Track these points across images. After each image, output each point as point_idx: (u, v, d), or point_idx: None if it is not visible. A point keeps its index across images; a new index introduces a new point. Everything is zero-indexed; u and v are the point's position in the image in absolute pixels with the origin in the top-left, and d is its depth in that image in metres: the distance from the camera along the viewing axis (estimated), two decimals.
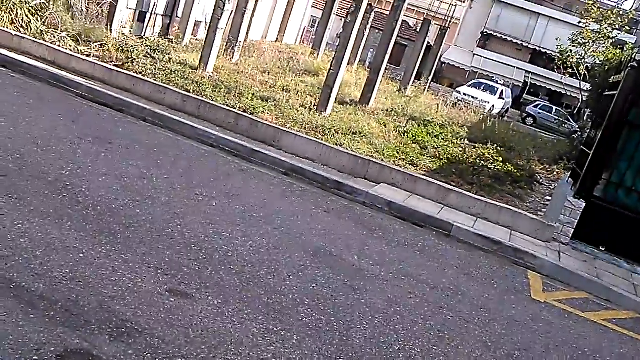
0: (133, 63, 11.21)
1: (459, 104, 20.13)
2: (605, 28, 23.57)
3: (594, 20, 24.06)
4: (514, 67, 38.14)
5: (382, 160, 8.97)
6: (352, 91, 15.41)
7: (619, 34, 24.28)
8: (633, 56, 7.96)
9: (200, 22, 18.58)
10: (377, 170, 8.22)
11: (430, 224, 7.06)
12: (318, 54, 21.17)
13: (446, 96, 22.14)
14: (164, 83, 9.96)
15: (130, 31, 14.74)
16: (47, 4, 12.43)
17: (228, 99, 10.47)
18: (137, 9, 15.52)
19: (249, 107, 10.08)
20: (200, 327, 3.48)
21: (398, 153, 9.88)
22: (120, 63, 11.03)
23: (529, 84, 38.00)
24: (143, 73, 10.52)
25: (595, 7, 24.15)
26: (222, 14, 13.23)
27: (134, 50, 11.85)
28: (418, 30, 27.15)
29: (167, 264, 4.11)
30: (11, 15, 11.79)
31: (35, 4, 12.13)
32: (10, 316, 3.02)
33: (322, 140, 9.00)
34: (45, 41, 10.90)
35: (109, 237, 4.23)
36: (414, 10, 35.43)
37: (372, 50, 26.15)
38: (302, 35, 29.52)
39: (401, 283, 5.14)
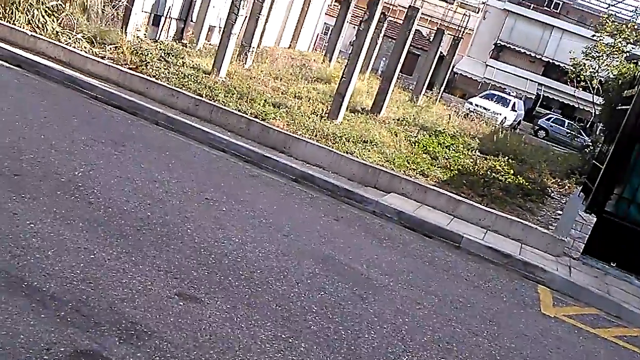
0: (147, 66, 11.27)
1: (471, 115, 20.09)
2: (620, 42, 23.45)
3: (608, 33, 23.95)
4: (527, 79, 37.99)
5: (393, 169, 8.95)
6: (364, 99, 15.41)
7: (633, 48, 24.16)
8: None
9: (214, 27, 18.68)
10: (387, 180, 8.20)
11: (439, 235, 7.03)
12: (330, 62, 21.22)
13: (458, 107, 22.11)
14: (177, 87, 10.01)
15: (144, 34, 14.85)
16: (63, 6, 12.55)
17: (240, 105, 10.51)
18: (152, 12, 15.63)
19: (260, 113, 10.11)
20: (208, 332, 3.47)
21: (408, 163, 9.87)
22: (134, 66, 11.10)
23: (541, 96, 37.87)
24: (157, 76, 10.58)
25: (609, 20, 24.05)
26: (236, 19, 13.30)
27: (148, 54, 11.94)
28: (431, 39, 27.21)
29: (177, 267, 4.12)
30: (27, 15, 11.91)
31: (52, 5, 12.26)
32: (22, 315, 3.03)
33: (332, 148, 9.01)
34: (61, 42, 10.99)
35: (119, 239, 4.25)
36: (427, 19, 35.48)
37: (384, 58, 26.17)
38: (315, 42, 29.63)
39: (410, 293, 5.12)
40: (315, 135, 9.83)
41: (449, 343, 4.40)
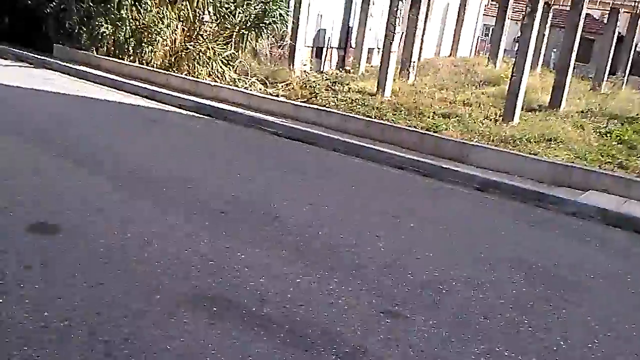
0: (316, 97, 11.82)
1: None
2: None
3: None
4: None
5: (585, 165, 8.24)
6: (539, 96, 14.52)
7: None
8: None
9: (373, 48, 19.04)
10: (581, 177, 7.56)
11: None
12: (496, 63, 20.40)
13: None
14: (347, 112, 10.31)
15: (310, 67, 15.61)
16: (237, 54, 13.70)
17: (409, 120, 10.52)
18: (314, 45, 16.41)
19: (431, 126, 10.01)
20: (417, 348, 3.43)
21: (602, 156, 9.04)
22: (305, 99, 11.70)
23: None
24: (326, 105, 11.02)
25: None
26: (393, 38, 13.41)
27: (315, 85, 12.51)
28: (605, 21, 24.85)
29: (377, 286, 4.16)
30: (207, 68, 13.21)
31: (227, 55, 13.44)
32: (247, 336, 3.26)
33: (514, 150, 8.57)
34: (239, 87, 11.99)
35: (319, 264, 4.41)
36: (596, 1, 32.56)
37: (555, 50, 24.52)
38: (476, 46, 28.74)
39: (629, 299, 4.60)
40: (492, 140, 9.45)
41: None
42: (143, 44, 12.95)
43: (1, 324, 3.10)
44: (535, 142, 9.45)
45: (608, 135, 10.76)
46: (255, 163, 7.30)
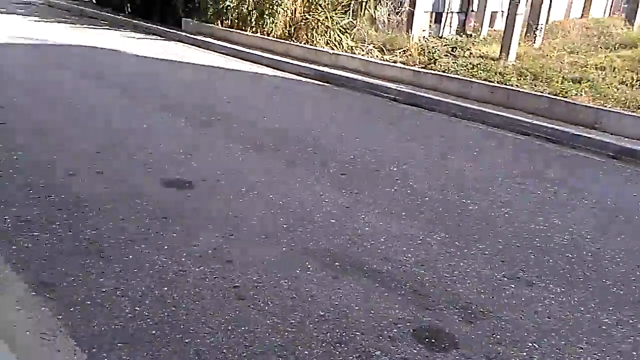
0: (435, 63, 11.52)
1: None
2: None
3: None
4: None
5: None
6: None
7: None
8: None
9: (497, 12, 18.16)
10: None
11: None
12: (634, 24, 18.67)
13: None
14: (467, 77, 9.97)
15: (429, 33, 15.22)
16: (354, 22, 13.67)
17: (535, 85, 9.98)
18: (433, 10, 15.96)
19: (560, 91, 9.42)
20: (545, 314, 3.32)
21: None
22: (423, 65, 11.44)
23: None
24: (446, 71, 10.72)
25: None
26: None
27: (435, 51, 12.17)
28: None
29: (501, 251, 4.05)
30: (325, 37, 13.31)
31: (345, 24, 13.45)
32: (369, 293, 3.33)
33: None
34: (356, 54, 11.98)
35: (439, 226, 4.37)
36: None
37: None
38: (611, 6, 26.43)
39: None
40: (629, 107, 8.72)
41: None
42: (265, 16, 13.29)
43: (142, 269, 3.41)
44: None
45: None
46: (375, 128, 7.31)
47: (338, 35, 13.36)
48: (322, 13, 13.24)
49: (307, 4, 13.51)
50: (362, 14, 13.62)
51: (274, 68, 10.81)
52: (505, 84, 9.71)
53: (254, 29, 13.54)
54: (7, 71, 8.60)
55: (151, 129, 6.28)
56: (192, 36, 13.20)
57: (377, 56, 12.51)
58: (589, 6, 23.15)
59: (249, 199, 4.55)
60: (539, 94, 8.77)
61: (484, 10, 16.63)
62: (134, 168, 5.04)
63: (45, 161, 4.96)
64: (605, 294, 3.62)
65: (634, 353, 3.06)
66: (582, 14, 23.01)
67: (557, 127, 7.39)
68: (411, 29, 14.55)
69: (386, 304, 3.24)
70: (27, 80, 8.16)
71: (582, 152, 6.88)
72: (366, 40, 13.51)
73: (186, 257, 3.56)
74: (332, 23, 13.20)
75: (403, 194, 4.94)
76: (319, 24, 13.24)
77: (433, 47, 12.77)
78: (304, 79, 10.10)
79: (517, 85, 9.72)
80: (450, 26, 16.68)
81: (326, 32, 13.35)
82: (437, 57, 11.82)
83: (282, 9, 13.15)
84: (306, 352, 2.79)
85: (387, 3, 14.21)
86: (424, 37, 14.61)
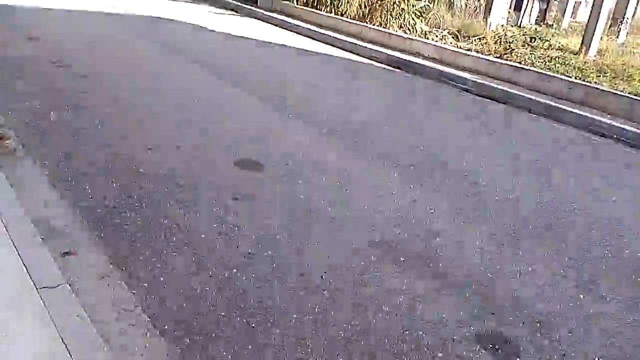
0: (511, 53, 11.16)
1: None
2: None
3: None
4: None
5: None
6: None
7: None
8: None
9: (580, 2, 17.37)
10: None
11: None
12: None
13: None
14: (544, 70, 9.64)
15: (507, 21, 14.74)
16: (430, 6, 13.40)
17: (615, 84, 9.53)
18: None
19: None
20: (614, 332, 3.24)
21: None
22: (498, 55, 11.12)
23: None
24: (522, 62, 10.39)
25: None
26: None
27: (512, 41, 11.79)
28: None
29: (574, 261, 3.96)
30: (399, 20, 13.12)
31: (420, 7, 13.22)
32: (435, 295, 3.34)
33: None
34: (430, 40, 11.76)
35: (506, 229, 4.31)
36: None
37: None
38: None
39: None
40: None
41: None
42: None
43: (214, 250, 3.54)
44: None
45: None
46: (446, 119, 7.21)
47: (413, 18, 13.14)
48: None
49: None
50: None
51: (346, 50, 10.78)
52: (584, 80, 9.33)
53: (328, 9, 13.50)
54: (94, 40, 8.95)
55: (227, 106, 6.43)
56: (268, 13, 13.31)
57: (451, 42, 12.25)
58: None
59: (317, 184, 4.62)
60: (620, 94, 8.38)
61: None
62: (209, 146, 5.19)
63: (127, 133, 5.18)
64: None
65: None
66: None
67: (636, 131, 7.06)
68: (489, 16, 14.13)
69: (451, 305, 3.25)
70: (111, 49, 8.48)
71: None
72: (441, 25, 13.24)
73: (254, 240, 3.66)
74: (407, 5, 12.99)
75: (472, 192, 4.88)
76: (395, 5, 13.05)
77: (511, 36, 12.37)
78: (375, 63, 10.03)
79: (596, 83, 9.33)
80: (530, 15, 16.07)
81: (401, 15, 13.16)
82: (513, 47, 11.45)
83: None
84: (369, 345, 2.84)
85: None
86: (501, 24, 14.17)
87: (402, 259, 3.66)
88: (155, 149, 4.93)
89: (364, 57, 10.39)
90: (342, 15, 13.05)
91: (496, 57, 10.76)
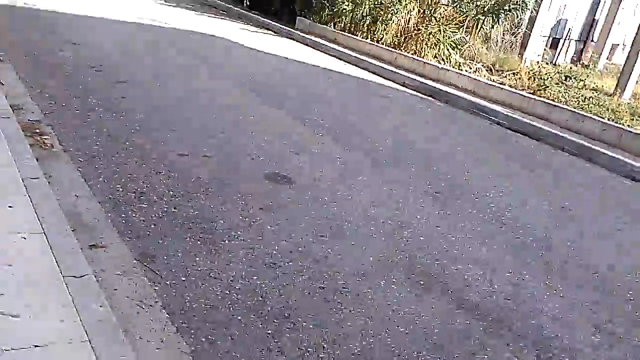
0: (545, 90, 11.14)
1: None
2: None
3: None
4: None
5: None
6: None
7: None
8: None
9: (617, 44, 17.28)
10: None
11: None
12: None
13: None
14: (577, 110, 9.59)
15: (543, 58, 14.74)
16: (466, 38, 13.48)
17: None
18: (551, 35, 15.42)
19: None
20: None
21: None
22: (532, 91, 11.10)
23: None
24: (555, 100, 10.35)
25: None
26: None
27: (547, 78, 11.78)
28: None
29: (596, 303, 3.91)
30: (434, 50, 13.21)
31: (456, 39, 13.29)
32: (446, 317, 3.34)
33: None
34: (463, 71, 11.80)
35: (532, 261, 4.28)
36: None
37: None
38: None
39: None
40: None
41: None
42: (378, 22, 13.39)
43: (236, 255, 3.59)
44: None
45: None
46: (477, 151, 7.21)
47: (448, 49, 13.22)
48: (436, 26, 13.16)
49: (422, 15, 13.47)
50: (476, 31, 13.41)
51: (379, 75, 10.88)
52: (617, 122, 9.25)
53: (364, 34, 13.68)
54: (132, 48, 9.21)
55: (259, 121, 6.54)
56: (305, 35, 13.53)
57: (484, 76, 12.28)
58: None
59: (345, 203, 4.66)
60: None
61: (605, 41, 15.86)
62: (239, 157, 5.28)
63: (160, 138, 5.31)
64: None
65: None
66: None
67: None
68: (524, 52, 14.15)
69: (465, 332, 3.24)
70: (148, 59, 8.71)
71: None
72: (475, 58, 13.29)
73: (277, 250, 3.71)
74: (443, 37, 13.09)
75: (497, 223, 4.87)
76: (431, 36, 13.16)
77: (545, 73, 12.35)
78: (408, 90, 10.10)
79: (629, 126, 9.24)
80: (566, 54, 16.05)
81: (436, 46, 13.25)
82: (547, 84, 11.43)
83: (397, 17, 13.20)
84: None
85: (504, 22, 13.89)
86: (536, 61, 14.17)
87: (421, 281, 3.67)
88: (186, 154, 5.04)
89: (396, 82, 10.48)
90: (377, 41, 13.20)
91: (529, 92, 10.75)
